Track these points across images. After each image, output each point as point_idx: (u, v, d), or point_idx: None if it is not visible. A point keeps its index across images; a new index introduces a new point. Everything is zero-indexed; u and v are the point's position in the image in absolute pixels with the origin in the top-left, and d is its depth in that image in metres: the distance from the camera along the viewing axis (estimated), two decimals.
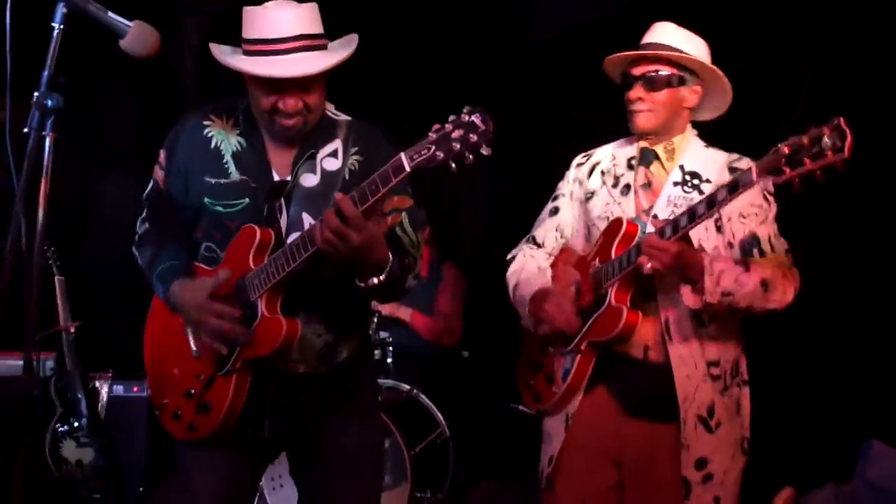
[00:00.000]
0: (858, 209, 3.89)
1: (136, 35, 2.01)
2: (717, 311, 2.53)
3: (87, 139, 5.26)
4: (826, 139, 2.12)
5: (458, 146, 2.06)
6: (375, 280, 2.32)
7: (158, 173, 2.55)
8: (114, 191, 5.33)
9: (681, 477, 2.56)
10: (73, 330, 4.51)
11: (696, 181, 2.65)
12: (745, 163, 2.63)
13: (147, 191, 2.59)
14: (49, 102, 1.95)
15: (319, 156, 2.47)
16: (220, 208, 2.44)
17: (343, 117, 2.54)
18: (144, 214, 2.61)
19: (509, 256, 2.93)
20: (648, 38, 2.70)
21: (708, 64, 2.66)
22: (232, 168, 2.45)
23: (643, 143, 2.74)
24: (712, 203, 2.37)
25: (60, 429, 4.46)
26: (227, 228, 2.43)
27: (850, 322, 3.93)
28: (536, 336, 2.77)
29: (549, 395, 2.69)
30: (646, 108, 2.65)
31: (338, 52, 2.38)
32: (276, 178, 2.46)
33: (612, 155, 2.81)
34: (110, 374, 4.71)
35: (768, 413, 3.90)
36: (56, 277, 4.50)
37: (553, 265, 2.83)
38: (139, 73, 5.10)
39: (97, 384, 4.62)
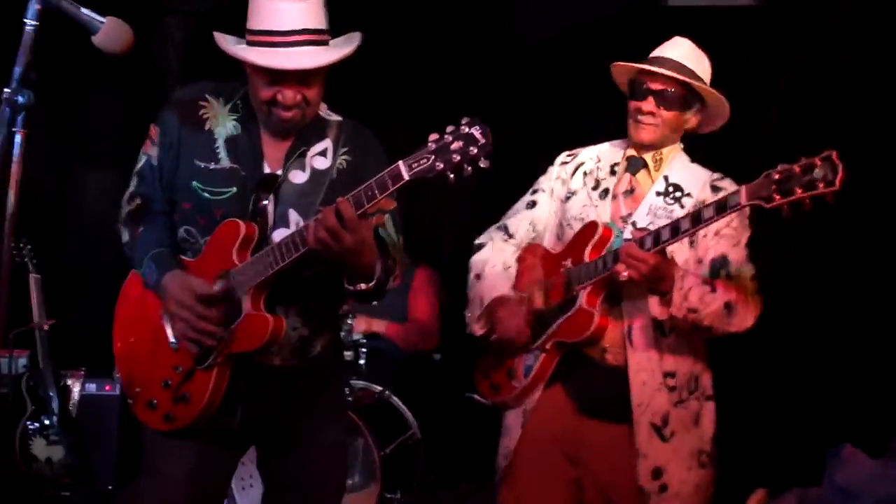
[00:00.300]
0: (824, 221, 3.92)
1: (109, 31, 2.00)
2: (681, 326, 2.56)
3: (69, 137, 5.21)
4: (818, 170, 2.16)
5: (458, 158, 2.07)
6: (363, 286, 2.34)
7: (151, 149, 2.51)
8: (94, 188, 5.30)
9: (637, 486, 2.58)
10: (46, 328, 4.48)
11: (677, 194, 2.67)
12: (727, 182, 2.68)
13: (138, 166, 2.54)
14: (20, 99, 1.94)
15: (310, 154, 2.47)
16: (207, 194, 2.42)
17: (334, 117, 2.54)
18: (133, 190, 2.55)
19: (477, 242, 2.92)
20: (665, 51, 2.70)
21: (721, 97, 2.68)
22: (223, 154, 2.44)
23: (632, 152, 2.75)
24: (697, 220, 2.39)
25: (31, 426, 4.43)
26: (212, 216, 2.42)
27: (819, 327, 3.96)
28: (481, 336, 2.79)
29: (509, 388, 2.71)
30: (653, 122, 2.67)
31: (340, 48, 2.38)
32: (268, 170, 2.45)
33: (597, 157, 2.82)
34: (83, 373, 4.69)
35: (738, 418, 3.95)
36: (31, 275, 4.48)
37: (519, 259, 2.83)
38: (122, 71, 5.08)
39: (69, 382, 4.60)
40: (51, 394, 4.43)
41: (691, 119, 2.72)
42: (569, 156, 2.89)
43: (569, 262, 2.65)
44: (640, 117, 2.67)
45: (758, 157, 3.78)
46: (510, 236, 2.88)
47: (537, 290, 2.70)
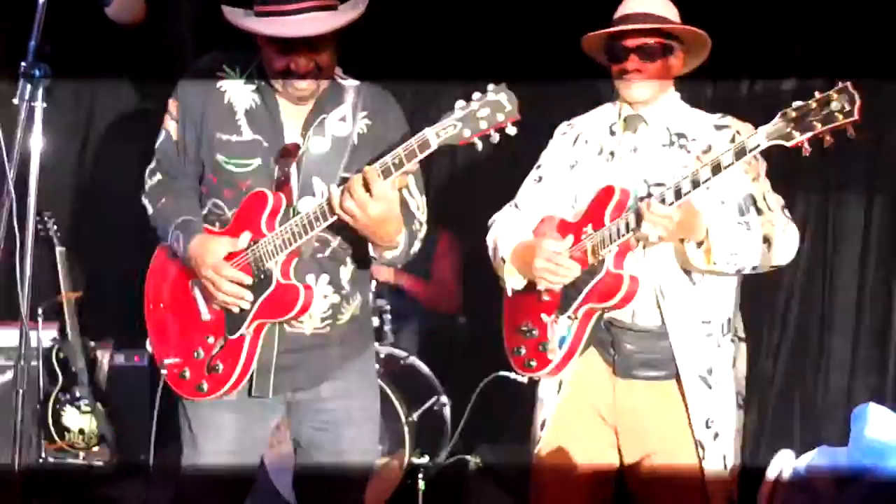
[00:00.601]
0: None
1: (121, 3, 1.99)
2: (725, 272, 2.51)
3: (84, 110, 5.22)
4: (835, 103, 2.12)
5: (485, 124, 2.07)
6: (389, 255, 2.37)
7: (169, 124, 2.51)
8: (113, 162, 5.30)
9: (692, 440, 2.56)
10: (74, 300, 4.51)
11: (682, 141, 2.63)
12: (728, 119, 2.65)
13: (158, 142, 2.55)
14: (36, 72, 1.95)
15: (329, 120, 2.45)
16: (231, 167, 2.43)
17: (351, 81, 2.53)
18: (154, 165, 2.56)
19: (490, 221, 2.91)
20: (628, 7, 2.65)
21: (698, 31, 2.63)
22: (244, 126, 2.43)
23: (627, 110, 2.71)
24: (717, 169, 2.34)
25: (63, 398, 4.48)
26: (238, 188, 2.42)
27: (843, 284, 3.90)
28: (520, 294, 2.75)
29: (545, 361, 2.66)
30: (641, 78, 2.62)
31: (347, 12, 2.36)
32: (288, 139, 2.44)
33: (594, 123, 2.79)
34: (111, 344, 4.70)
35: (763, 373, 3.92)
36: (57, 248, 4.50)
37: (534, 231, 2.79)
38: (136, 45, 5.06)
39: (98, 354, 4.62)
40: (81, 365, 4.46)
41: (676, 63, 2.67)
42: (567, 125, 2.86)
43: (589, 228, 2.61)
44: (626, 77, 2.62)
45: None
46: (521, 211, 2.86)
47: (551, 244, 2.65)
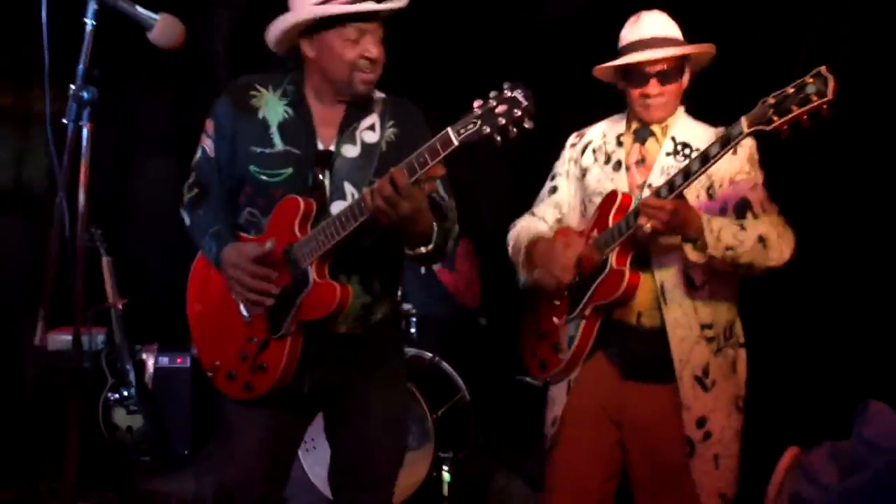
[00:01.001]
0: (850, 185, 3.81)
1: (163, 27, 1.99)
2: (720, 268, 2.46)
3: (124, 126, 5.26)
4: (810, 86, 2.14)
5: (504, 120, 2.04)
6: (423, 249, 2.33)
7: (206, 141, 2.51)
8: (153, 174, 5.34)
9: (684, 437, 2.53)
10: (120, 306, 4.55)
11: (686, 151, 2.60)
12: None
13: (195, 159, 2.55)
14: (85, 95, 1.95)
15: (359, 129, 2.45)
16: (264, 177, 2.41)
17: (378, 94, 2.52)
18: (192, 180, 2.56)
19: (511, 226, 2.89)
20: (641, 31, 2.60)
21: (706, 47, 2.60)
22: (277, 139, 2.42)
23: (636, 124, 2.68)
24: (706, 159, 2.32)
25: (112, 398, 4.51)
26: (272, 196, 2.41)
27: (845, 286, 3.86)
28: (536, 301, 2.73)
29: (556, 361, 2.65)
30: (663, 101, 2.59)
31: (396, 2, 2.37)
32: (321, 147, 2.44)
33: (602, 133, 2.76)
34: (156, 347, 4.74)
35: (767, 374, 3.87)
36: (104, 258, 4.53)
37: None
38: (172, 61, 5.10)
39: (144, 356, 4.66)
40: (128, 367, 4.49)
41: (685, 81, 2.65)
42: (577, 136, 2.84)
43: (595, 233, 2.59)
44: (648, 101, 2.59)
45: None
46: (539, 219, 2.85)
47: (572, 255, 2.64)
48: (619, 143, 2.69)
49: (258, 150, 2.42)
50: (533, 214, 2.87)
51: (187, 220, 2.56)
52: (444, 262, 4.79)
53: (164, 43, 2.00)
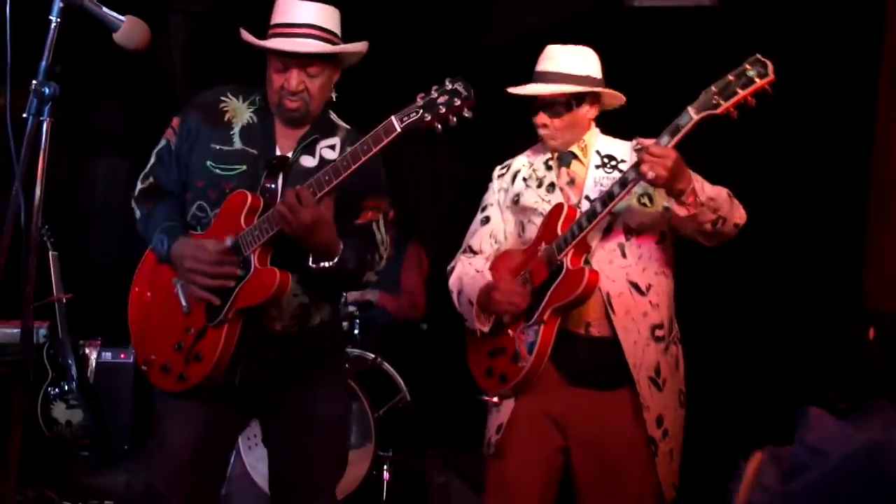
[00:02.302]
0: (777, 189, 3.94)
1: (128, 29, 1.99)
2: (701, 220, 2.45)
3: (79, 124, 5.17)
4: (750, 71, 2.25)
5: (444, 109, 2.12)
6: (326, 264, 2.35)
7: (170, 134, 2.55)
8: (105, 172, 5.26)
9: (647, 437, 2.57)
10: (65, 301, 4.46)
11: (613, 163, 2.67)
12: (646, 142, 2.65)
13: (158, 147, 2.58)
14: (46, 90, 1.93)
15: (320, 144, 2.50)
16: (218, 170, 2.45)
17: (344, 125, 2.58)
18: (148, 169, 2.57)
19: (449, 268, 2.89)
20: (544, 65, 2.66)
21: (598, 87, 2.65)
22: (237, 138, 2.47)
23: (557, 150, 2.73)
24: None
25: (52, 392, 4.42)
26: (222, 189, 2.43)
27: (783, 298, 3.97)
28: (484, 335, 2.73)
29: (517, 371, 2.62)
30: (551, 132, 2.66)
31: (342, 46, 2.45)
32: (279, 153, 2.47)
33: (528, 162, 2.80)
34: (99, 342, 4.66)
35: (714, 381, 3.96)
36: (50, 253, 4.45)
37: (491, 268, 2.79)
38: (129, 67, 5.04)
39: (87, 351, 4.58)
40: (70, 361, 4.41)
41: (589, 110, 2.68)
42: (503, 168, 2.87)
43: (543, 245, 2.62)
44: (539, 131, 2.68)
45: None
46: (475, 253, 2.85)
47: (521, 281, 2.65)
48: (549, 167, 2.74)
49: (217, 146, 2.46)
50: (468, 251, 2.86)
51: (137, 213, 2.56)
52: (387, 287, 4.80)
53: (129, 44, 1.99)
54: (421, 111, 2.14)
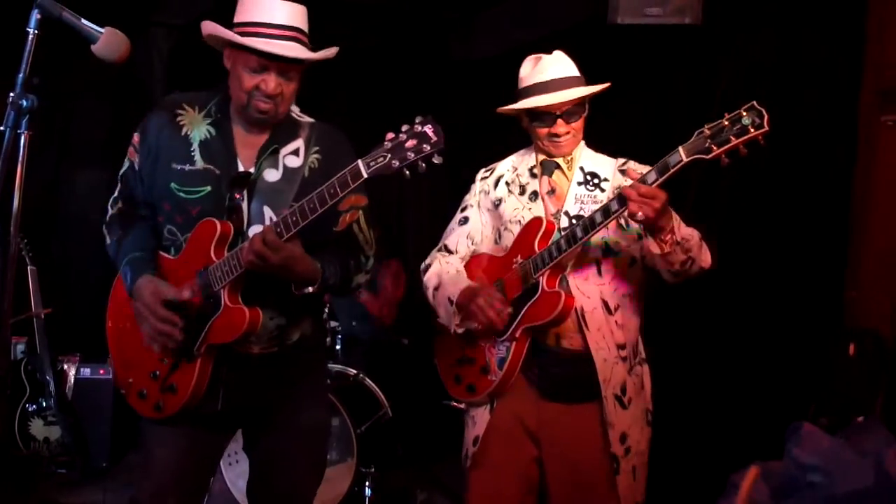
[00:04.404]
0: (759, 203, 3.95)
1: (107, 41, 1.95)
2: (672, 259, 2.44)
3: (57, 136, 5.12)
4: (745, 118, 2.21)
5: (412, 155, 2.05)
6: (309, 289, 2.33)
7: (133, 154, 2.48)
8: (83, 186, 5.21)
9: (608, 454, 2.57)
10: (43, 316, 4.40)
11: (595, 181, 2.67)
12: (632, 164, 2.69)
13: (122, 169, 2.52)
14: (24, 103, 1.90)
15: (282, 152, 2.42)
16: (182, 194, 2.37)
17: (306, 119, 2.50)
18: (117, 193, 2.53)
19: (423, 265, 2.86)
20: (548, 74, 2.63)
21: (605, 87, 2.65)
22: (198, 156, 2.39)
23: (542, 156, 2.72)
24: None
25: (29, 408, 4.35)
26: (189, 214, 2.37)
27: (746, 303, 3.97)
28: (457, 334, 2.70)
29: (486, 383, 2.64)
30: (569, 137, 2.65)
31: (320, 52, 2.37)
32: (241, 168, 2.40)
33: (512, 167, 2.79)
34: (78, 358, 4.60)
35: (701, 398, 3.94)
36: (28, 267, 4.39)
37: (465, 268, 2.78)
38: (109, 78, 5.00)
39: (65, 367, 4.52)
40: (48, 377, 4.34)
41: (586, 111, 2.70)
42: (487, 171, 2.85)
43: (519, 258, 2.61)
44: (556, 139, 2.64)
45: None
46: (451, 252, 2.83)
47: (494, 289, 2.64)
48: (533, 175, 2.73)
49: (178, 167, 2.39)
50: (445, 249, 2.84)
51: (108, 239, 2.52)
52: (368, 287, 4.79)
53: (108, 56, 1.96)
54: (388, 157, 2.07)
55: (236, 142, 2.41)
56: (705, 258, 2.55)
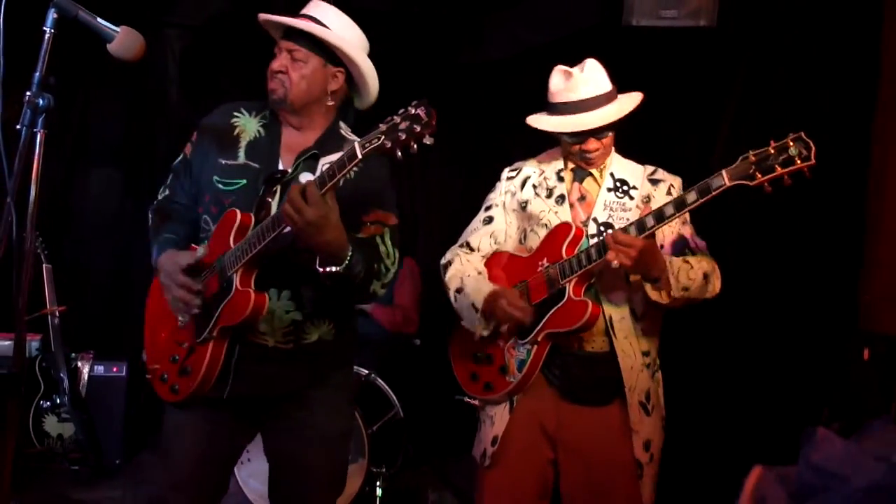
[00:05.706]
0: (773, 206, 3.93)
1: (123, 40, 1.97)
2: (675, 306, 2.51)
3: (73, 135, 5.14)
4: (792, 149, 2.20)
5: (404, 136, 2.06)
6: (334, 268, 2.28)
7: (187, 147, 2.59)
8: (98, 184, 5.23)
9: (632, 460, 2.56)
10: (58, 314, 4.41)
11: (625, 188, 2.66)
12: (661, 173, 2.69)
13: (176, 161, 2.63)
14: (40, 102, 1.92)
15: (322, 160, 2.45)
16: (220, 185, 2.46)
17: (353, 137, 2.53)
18: (168, 181, 2.63)
19: (444, 261, 2.83)
20: (579, 91, 2.59)
21: (637, 97, 2.63)
22: (242, 153, 2.48)
23: (572, 164, 2.71)
24: (681, 205, 2.35)
25: (44, 405, 4.37)
26: (223, 204, 2.44)
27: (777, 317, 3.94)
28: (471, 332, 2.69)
29: (504, 384, 2.63)
30: (602, 152, 2.64)
31: (328, 32, 2.47)
32: (281, 167, 2.46)
33: (539, 169, 2.76)
34: (91, 355, 4.59)
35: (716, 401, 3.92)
36: (44, 265, 4.41)
37: (485, 265, 2.77)
38: (124, 77, 5.02)
39: (79, 364, 4.52)
40: (62, 375, 4.35)
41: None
42: (512, 171, 2.83)
43: (545, 262, 2.60)
44: (588, 156, 2.63)
45: (717, 158, 3.78)
46: (472, 250, 2.81)
47: (515, 292, 2.63)
48: (560, 179, 2.71)
49: (223, 161, 2.48)
50: (465, 246, 2.82)
51: (150, 222, 2.60)
52: (380, 300, 4.74)
53: (123, 55, 1.97)
54: (382, 138, 2.08)
55: (282, 143, 2.49)
56: (712, 290, 2.57)
